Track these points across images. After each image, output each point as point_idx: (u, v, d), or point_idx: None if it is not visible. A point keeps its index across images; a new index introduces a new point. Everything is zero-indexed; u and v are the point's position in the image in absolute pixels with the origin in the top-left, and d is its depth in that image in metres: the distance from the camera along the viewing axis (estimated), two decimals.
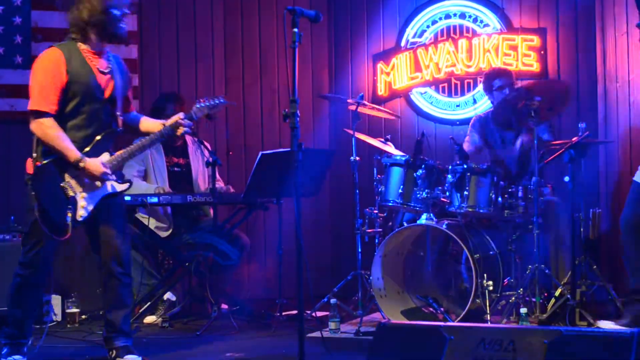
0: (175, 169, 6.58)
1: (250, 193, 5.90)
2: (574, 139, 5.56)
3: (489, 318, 5.47)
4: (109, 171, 4.64)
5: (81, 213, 4.62)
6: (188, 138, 6.64)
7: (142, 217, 6.30)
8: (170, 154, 6.58)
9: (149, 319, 6.28)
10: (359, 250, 5.83)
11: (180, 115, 4.82)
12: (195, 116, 4.85)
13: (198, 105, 4.89)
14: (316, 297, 5.45)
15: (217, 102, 4.95)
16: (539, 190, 5.69)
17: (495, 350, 2.81)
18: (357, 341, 4.58)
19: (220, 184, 6.44)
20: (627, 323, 5.19)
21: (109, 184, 4.71)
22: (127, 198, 5.99)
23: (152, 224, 6.28)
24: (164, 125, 4.85)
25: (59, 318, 6.13)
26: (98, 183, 4.66)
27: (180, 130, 4.78)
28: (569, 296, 5.43)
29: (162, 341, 5.71)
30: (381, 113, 6.58)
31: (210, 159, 6.26)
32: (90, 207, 4.65)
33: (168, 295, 6.42)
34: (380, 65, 7.45)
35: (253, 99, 7.52)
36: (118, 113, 4.78)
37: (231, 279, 6.51)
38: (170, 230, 6.39)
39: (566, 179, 5.64)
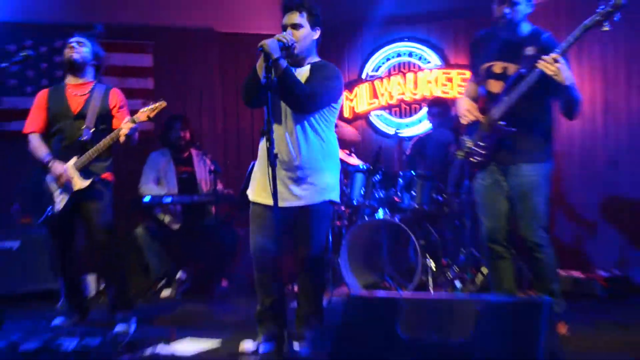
0: (183, 175, 6.47)
1: (244, 194, 5.74)
2: None
3: (432, 290, 5.48)
4: (66, 172, 4.70)
5: (58, 207, 4.72)
6: (193, 151, 6.57)
7: (159, 215, 6.25)
8: (179, 164, 6.49)
9: (165, 293, 6.25)
10: (330, 239, 5.69)
11: (127, 118, 4.74)
12: (138, 120, 4.72)
13: (141, 110, 4.77)
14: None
15: (153, 106, 4.78)
16: (469, 190, 5.50)
17: (437, 315, 2.81)
18: (329, 309, 4.52)
19: (220, 187, 6.38)
20: None
21: (76, 182, 4.73)
22: (147, 199, 6.04)
23: (167, 219, 6.24)
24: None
25: (93, 294, 6.05)
26: (71, 182, 4.72)
27: (122, 133, 4.66)
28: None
29: (177, 310, 5.70)
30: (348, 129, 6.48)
31: (212, 167, 6.25)
32: (64, 201, 4.72)
33: (180, 275, 6.36)
34: (345, 94, 7.39)
35: (246, 120, 7.47)
36: (84, 127, 4.79)
37: (229, 262, 6.42)
38: (181, 224, 6.31)
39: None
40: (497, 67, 4.24)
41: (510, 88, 4.11)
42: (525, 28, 4.18)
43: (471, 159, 4.33)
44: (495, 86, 4.24)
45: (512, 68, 4.17)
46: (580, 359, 3.82)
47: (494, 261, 4.34)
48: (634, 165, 5.83)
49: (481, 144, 4.26)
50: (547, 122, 4.26)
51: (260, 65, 3.86)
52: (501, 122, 4.14)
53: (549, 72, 3.90)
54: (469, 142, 4.34)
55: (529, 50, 4.08)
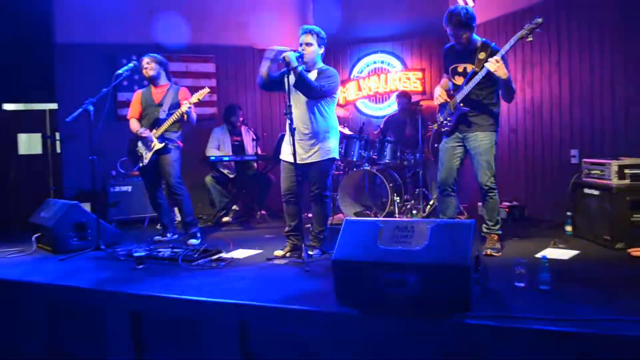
0: (235, 142, 6.40)
1: (276, 155, 5.55)
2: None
3: (397, 216, 5.48)
4: (149, 134, 4.71)
5: (146, 162, 4.75)
6: (243, 127, 6.46)
7: (221, 168, 6.18)
8: (233, 135, 6.40)
9: (225, 219, 6.19)
10: (331, 183, 5.50)
11: (185, 101, 4.72)
12: (191, 102, 4.69)
13: (193, 95, 4.75)
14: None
15: (200, 92, 4.75)
16: (422, 152, 5.62)
17: (402, 232, 2.77)
18: (330, 229, 4.52)
19: (259, 150, 6.33)
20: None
21: (156, 144, 4.73)
22: (212, 158, 5.95)
23: (225, 171, 6.20)
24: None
25: (178, 218, 5.88)
26: (151, 145, 4.71)
27: (182, 110, 4.68)
28: (437, 204, 5.21)
29: (233, 229, 5.68)
30: (341, 111, 6.53)
31: (254, 137, 6.23)
32: (148, 158, 4.75)
33: (235, 207, 6.34)
34: (340, 88, 7.10)
35: (276, 106, 7.29)
36: (162, 109, 4.79)
37: (266, 198, 6.37)
38: (235, 174, 6.27)
39: (436, 145, 5.40)
40: (460, 67, 4.12)
41: (467, 80, 4.04)
42: (477, 40, 4.08)
43: (442, 129, 4.23)
44: (459, 80, 4.13)
45: (469, 67, 4.04)
46: (490, 261, 3.82)
47: (444, 197, 4.29)
48: (527, 133, 5.77)
49: (448, 118, 4.15)
50: (494, 105, 4.08)
51: (263, 68, 3.87)
52: (460, 104, 4.09)
53: (492, 69, 3.83)
54: (440, 118, 4.23)
55: (482, 55, 3.99)
